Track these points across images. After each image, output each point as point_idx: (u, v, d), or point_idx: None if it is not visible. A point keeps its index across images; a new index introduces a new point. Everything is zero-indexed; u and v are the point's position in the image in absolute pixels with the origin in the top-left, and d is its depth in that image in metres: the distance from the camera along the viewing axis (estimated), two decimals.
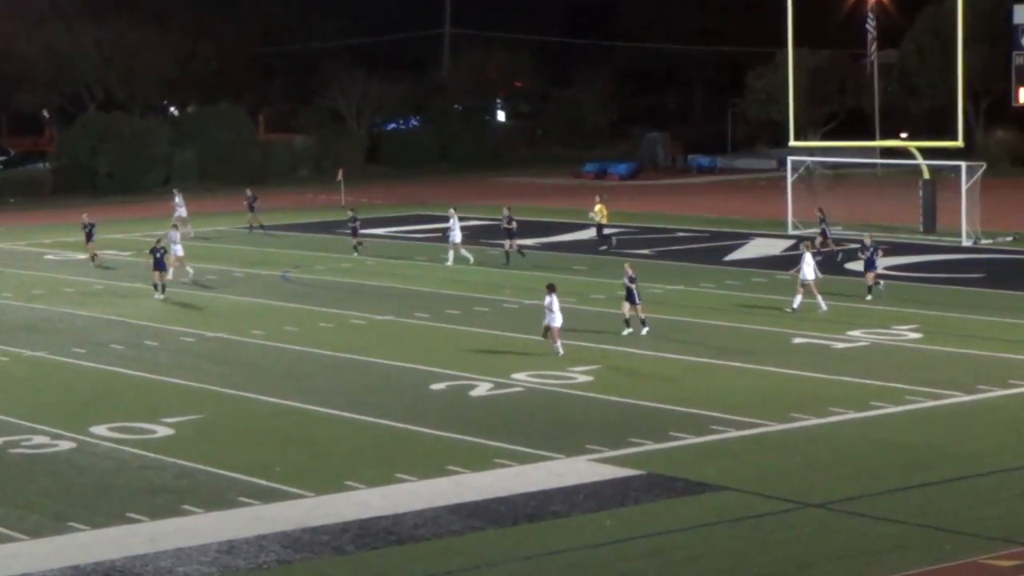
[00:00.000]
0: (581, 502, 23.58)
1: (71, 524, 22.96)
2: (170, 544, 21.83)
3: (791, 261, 50.55)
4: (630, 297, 36.78)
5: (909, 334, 37.02)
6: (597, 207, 54.46)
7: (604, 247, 53.40)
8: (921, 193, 57.98)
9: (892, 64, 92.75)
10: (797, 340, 36.45)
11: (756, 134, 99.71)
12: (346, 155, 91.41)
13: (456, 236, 51.23)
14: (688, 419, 28.70)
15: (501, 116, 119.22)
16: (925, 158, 58.94)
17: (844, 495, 23.57)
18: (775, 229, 58.53)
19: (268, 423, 29.39)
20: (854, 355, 34.68)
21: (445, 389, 31.83)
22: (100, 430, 28.63)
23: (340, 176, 74.14)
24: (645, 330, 36.69)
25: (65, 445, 27.73)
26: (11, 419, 29.81)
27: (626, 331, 36.73)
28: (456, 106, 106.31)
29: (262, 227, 60.47)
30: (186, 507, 23.65)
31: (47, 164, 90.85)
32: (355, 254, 53.06)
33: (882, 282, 42.72)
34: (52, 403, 31.39)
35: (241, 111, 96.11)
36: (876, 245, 43.17)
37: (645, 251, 49.11)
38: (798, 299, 40.01)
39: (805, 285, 40.20)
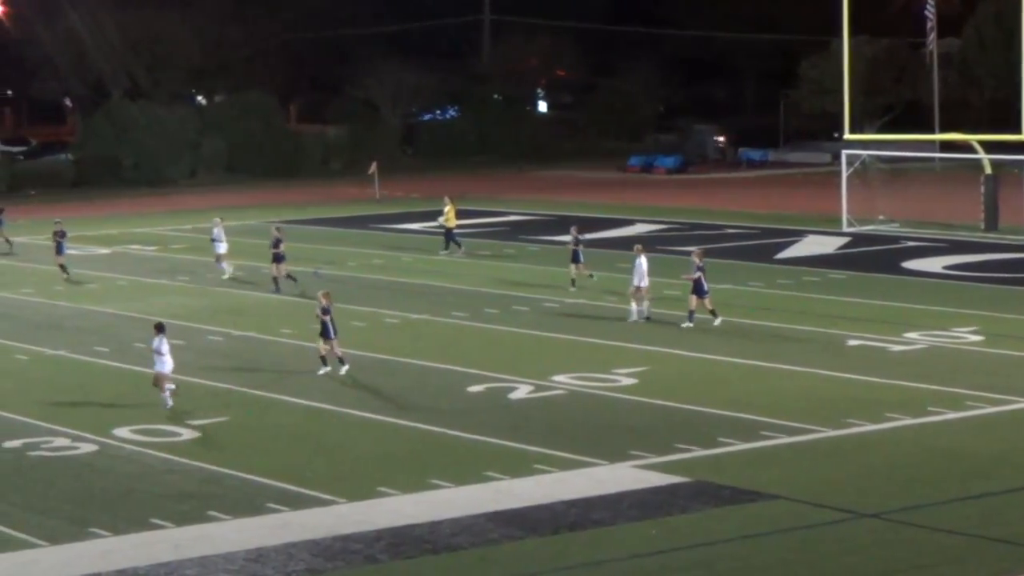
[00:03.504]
0: (625, 510, 23.06)
1: (92, 530, 22.50)
2: (195, 552, 21.38)
3: (845, 260, 49.98)
4: (325, 332, 32.97)
5: (969, 336, 36.14)
6: (446, 208, 52.60)
7: (447, 251, 51.94)
8: (983, 189, 57.05)
9: (953, 54, 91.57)
10: (851, 342, 35.69)
11: (809, 126, 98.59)
12: (380, 146, 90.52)
13: (221, 247, 47.85)
14: (737, 424, 28.02)
15: (543, 106, 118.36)
16: (987, 152, 57.95)
17: (900, 505, 22.99)
18: (829, 226, 57.78)
19: (298, 426, 28.81)
20: (911, 358, 33.89)
21: (483, 391, 31.17)
22: (123, 432, 28.11)
23: (374, 168, 73.44)
24: (344, 368, 32.78)
25: (87, 448, 27.24)
26: (31, 420, 29.30)
27: (322, 370, 32.83)
28: (496, 96, 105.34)
29: (7, 242, 55.75)
30: (212, 513, 23.16)
31: (69, 155, 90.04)
32: (65, 276, 47.85)
33: (719, 318, 37.44)
34: (73, 404, 30.87)
35: (271, 100, 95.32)
36: (701, 267, 37.38)
37: (692, 248, 48.14)
38: (644, 304, 38.31)
39: (638, 289, 38.05)
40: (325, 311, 32.50)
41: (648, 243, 53.16)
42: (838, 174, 60.42)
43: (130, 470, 25.77)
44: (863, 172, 62.26)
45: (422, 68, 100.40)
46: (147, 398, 30.41)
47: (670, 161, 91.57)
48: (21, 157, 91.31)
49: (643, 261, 38.13)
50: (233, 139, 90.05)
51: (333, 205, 71.53)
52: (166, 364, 29.96)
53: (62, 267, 48.14)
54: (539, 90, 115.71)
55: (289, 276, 44.27)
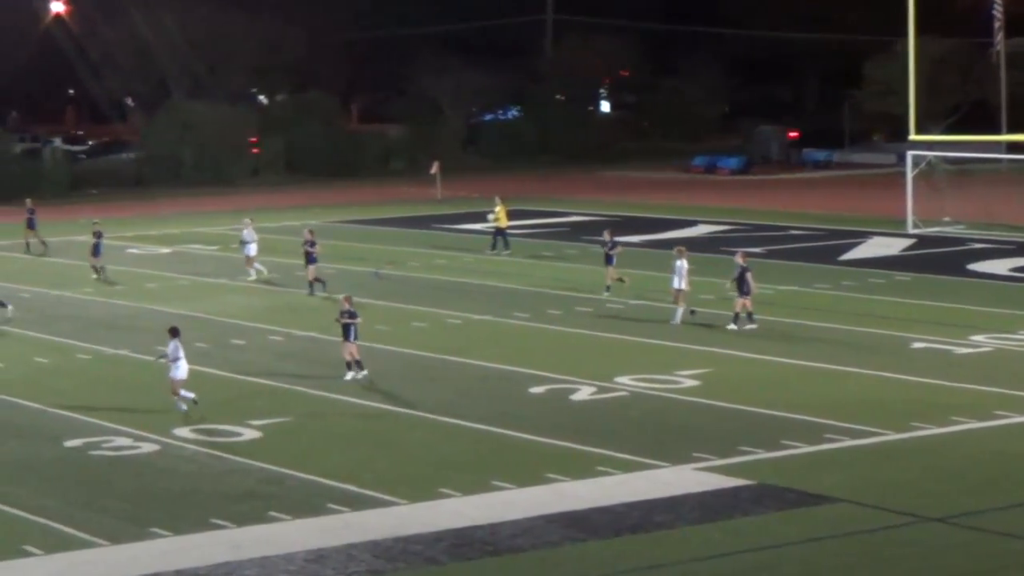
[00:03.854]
0: (687, 513, 22.91)
1: (152, 530, 22.48)
2: (256, 552, 21.33)
3: (910, 261, 49.48)
4: (347, 334, 32.09)
5: None
6: (497, 208, 52.27)
7: (495, 250, 51.69)
8: None
9: (1020, 53, 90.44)
10: (916, 344, 35.31)
11: (874, 127, 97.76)
12: (442, 147, 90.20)
13: (251, 249, 47.26)
14: (801, 427, 27.75)
15: (605, 107, 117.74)
16: None
17: (965, 509, 22.78)
18: (894, 228, 57.22)
19: (359, 426, 28.72)
20: (977, 361, 33.46)
21: (545, 393, 30.97)
22: (184, 432, 28.09)
23: (435, 169, 73.12)
24: (363, 373, 32.22)
25: (147, 447, 27.23)
26: (92, 420, 29.31)
27: (349, 375, 32.13)
28: (558, 96, 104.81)
29: (43, 244, 55.25)
30: (273, 513, 23.09)
31: (131, 154, 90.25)
32: (97, 276, 47.69)
33: (754, 320, 37.17)
34: (134, 403, 30.83)
35: (332, 100, 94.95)
36: (746, 267, 37.15)
37: (757, 249, 47.94)
38: (679, 312, 37.85)
39: (680, 292, 37.73)
40: (352, 315, 32.11)
41: (711, 244, 53.20)
42: (903, 175, 59.87)
43: (191, 470, 25.75)
44: (929, 173, 61.62)
45: (483, 68, 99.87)
46: (207, 398, 30.31)
47: (733, 162, 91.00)
48: (83, 156, 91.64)
49: (684, 264, 37.92)
50: (294, 139, 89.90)
51: (394, 205, 71.34)
52: (180, 370, 29.59)
53: (98, 268, 47.92)
54: (602, 90, 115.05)
55: (317, 280, 43.54)
